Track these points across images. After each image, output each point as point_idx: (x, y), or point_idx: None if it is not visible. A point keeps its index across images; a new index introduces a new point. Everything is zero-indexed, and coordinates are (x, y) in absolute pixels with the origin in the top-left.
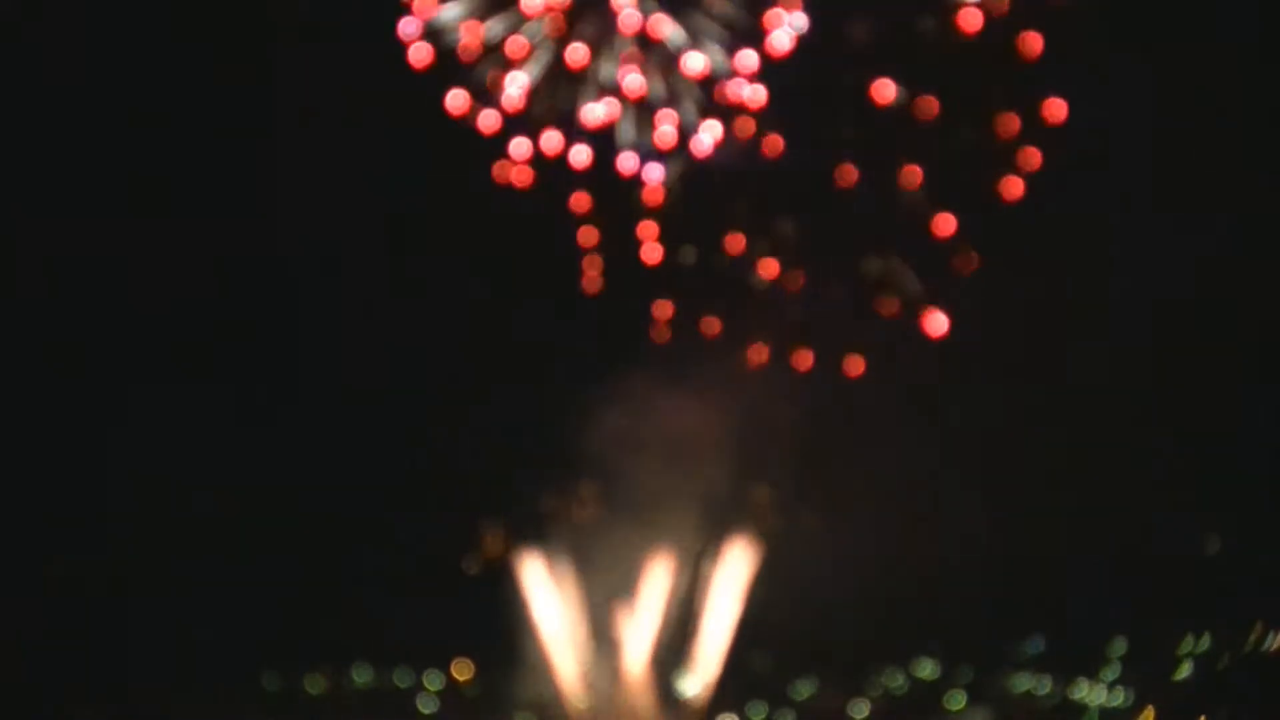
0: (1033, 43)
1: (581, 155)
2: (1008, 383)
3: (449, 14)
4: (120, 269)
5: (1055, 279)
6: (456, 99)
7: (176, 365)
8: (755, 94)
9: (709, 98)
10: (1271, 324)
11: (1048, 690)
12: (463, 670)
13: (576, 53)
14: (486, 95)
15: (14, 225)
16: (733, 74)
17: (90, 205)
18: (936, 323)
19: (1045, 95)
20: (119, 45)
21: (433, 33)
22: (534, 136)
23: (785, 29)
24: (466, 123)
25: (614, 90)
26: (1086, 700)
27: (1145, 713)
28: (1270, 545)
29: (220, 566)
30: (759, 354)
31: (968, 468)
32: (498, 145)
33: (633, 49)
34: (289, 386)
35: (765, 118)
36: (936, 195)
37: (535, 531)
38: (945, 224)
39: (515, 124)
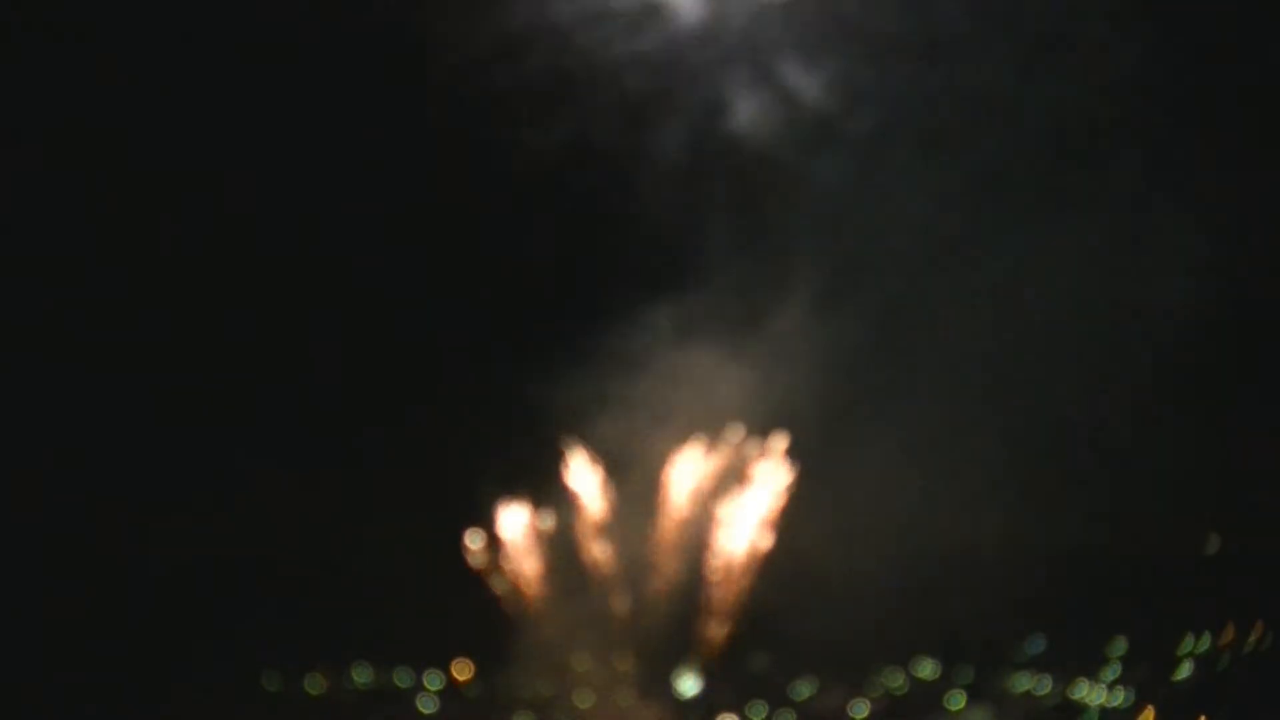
0: None
1: None
2: (1007, 383)
3: None
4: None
5: (1057, 281)
6: None
7: (176, 362)
8: None
9: None
10: (1271, 324)
11: (1048, 690)
12: (463, 670)
13: None
14: None
15: None
16: None
17: None
18: None
19: None
20: None
21: None
22: None
23: None
24: None
25: None
26: (1086, 700)
27: (1145, 713)
28: (1270, 545)
29: (219, 566)
30: None
31: (968, 468)
32: None
33: None
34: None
35: None
36: None
37: (534, 525)
38: None
39: None
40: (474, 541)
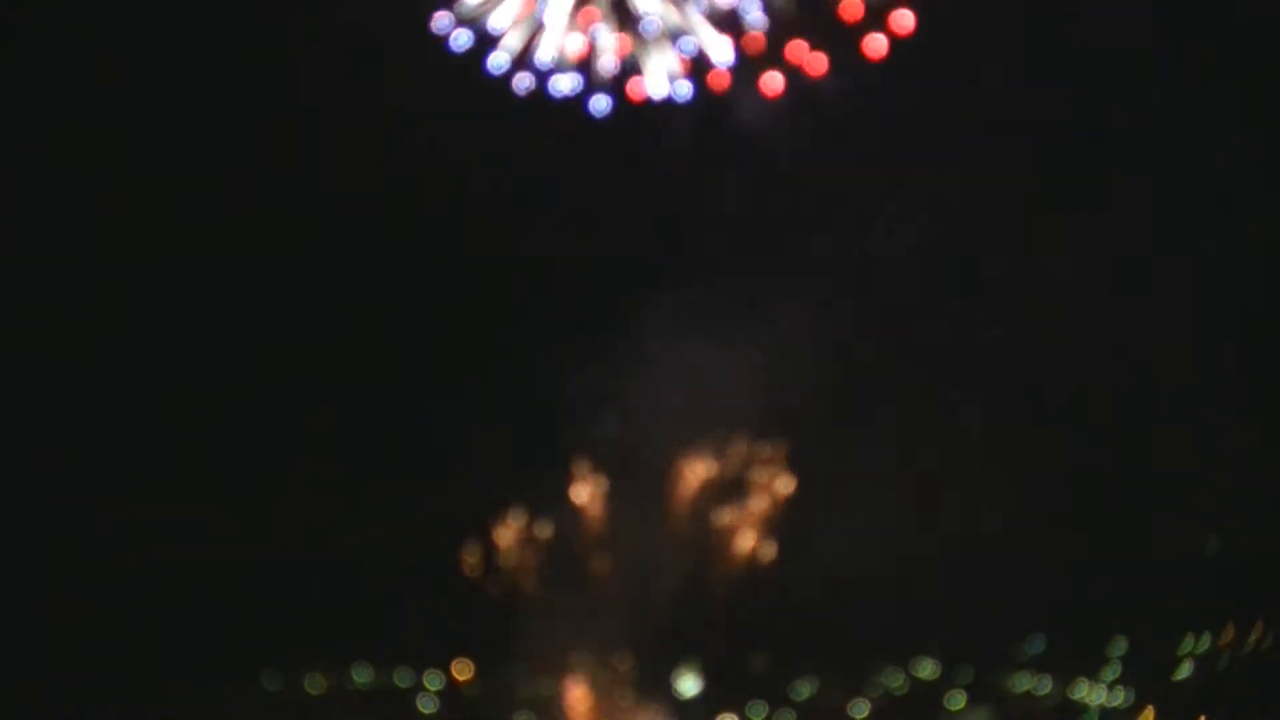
0: None
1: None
2: (1008, 383)
3: None
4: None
5: (1055, 276)
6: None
7: (176, 362)
8: None
9: None
10: (1270, 322)
11: (1048, 690)
12: (463, 670)
13: None
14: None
15: None
16: None
17: None
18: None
19: None
20: None
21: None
22: None
23: None
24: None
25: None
26: (1086, 700)
27: (1145, 713)
28: (1270, 545)
29: (220, 566)
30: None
31: (968, 468)
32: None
33: None
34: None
35: None
36: None
37: (535, 526)
38: None
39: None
40: (474, 541)
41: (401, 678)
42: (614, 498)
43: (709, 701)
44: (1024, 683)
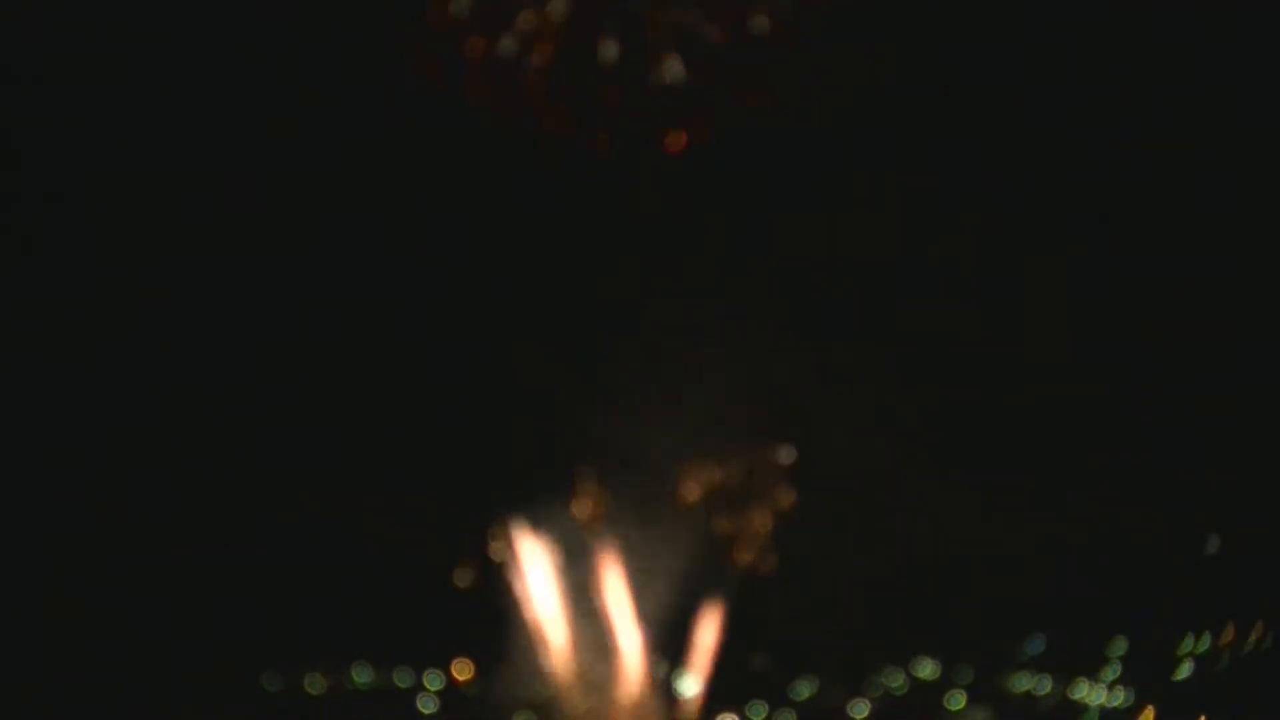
0: None
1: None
2: (1008, 382)
3: None
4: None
5: (1053, 277)
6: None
7: (176, 361)
8: None
9: None
10: (1271, 321)
11: (1048, 690)
12: (463, 670)
13: None
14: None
15: None
16: None
17: None
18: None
19: None
20: None
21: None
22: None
23: None
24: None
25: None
26: (1086, 700)
27: (1145, 713)
28: (1270, 545)
29: (220, 565)
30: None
31: (968, 467)
32: None
33: None
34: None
35: None
36: None
37: (535, 528)
38: None
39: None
40: (474, 542)
41: (401, 678)
42: (617, 500)
43: (709, 701)
44: (1024, 683)
